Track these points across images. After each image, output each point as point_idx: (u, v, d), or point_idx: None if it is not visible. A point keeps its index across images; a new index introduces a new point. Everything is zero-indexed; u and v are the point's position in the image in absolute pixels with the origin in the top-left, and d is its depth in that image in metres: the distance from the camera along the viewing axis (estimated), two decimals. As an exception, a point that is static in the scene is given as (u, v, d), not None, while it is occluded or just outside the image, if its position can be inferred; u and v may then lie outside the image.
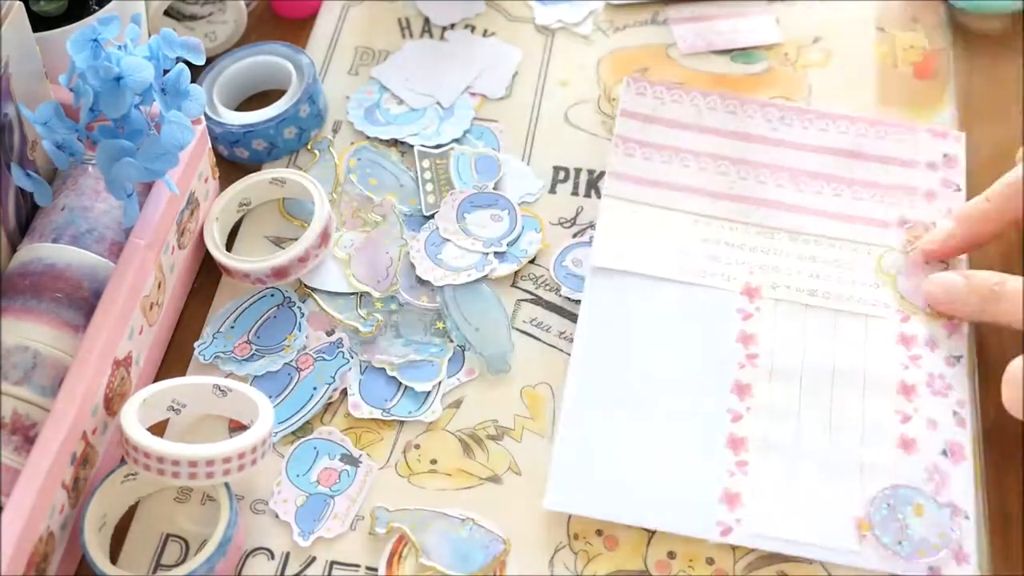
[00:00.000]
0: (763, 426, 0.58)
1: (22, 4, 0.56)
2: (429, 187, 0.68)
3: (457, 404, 0.60)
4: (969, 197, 0.65)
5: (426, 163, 0.69)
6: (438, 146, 0.70)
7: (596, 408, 0.59)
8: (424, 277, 0.63)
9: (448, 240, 0.65)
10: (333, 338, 0.62)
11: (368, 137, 0.71)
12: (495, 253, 0.64)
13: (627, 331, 0.61)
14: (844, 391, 0.59)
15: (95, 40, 0.55)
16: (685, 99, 0.70)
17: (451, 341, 0.62)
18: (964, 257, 0.63)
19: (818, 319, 0.61)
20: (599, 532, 0.56)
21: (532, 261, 0.65)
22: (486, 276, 0.64)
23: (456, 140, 0.70)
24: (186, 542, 0.56)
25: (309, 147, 0.70)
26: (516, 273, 0.64)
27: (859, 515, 0.55)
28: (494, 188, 0.68)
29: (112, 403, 0.56)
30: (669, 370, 0.60)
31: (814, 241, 0.64)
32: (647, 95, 0.70)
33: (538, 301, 0.64)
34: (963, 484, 0.56)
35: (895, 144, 0.68)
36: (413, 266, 0.64)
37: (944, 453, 0.57)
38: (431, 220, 0.66)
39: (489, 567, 0.54)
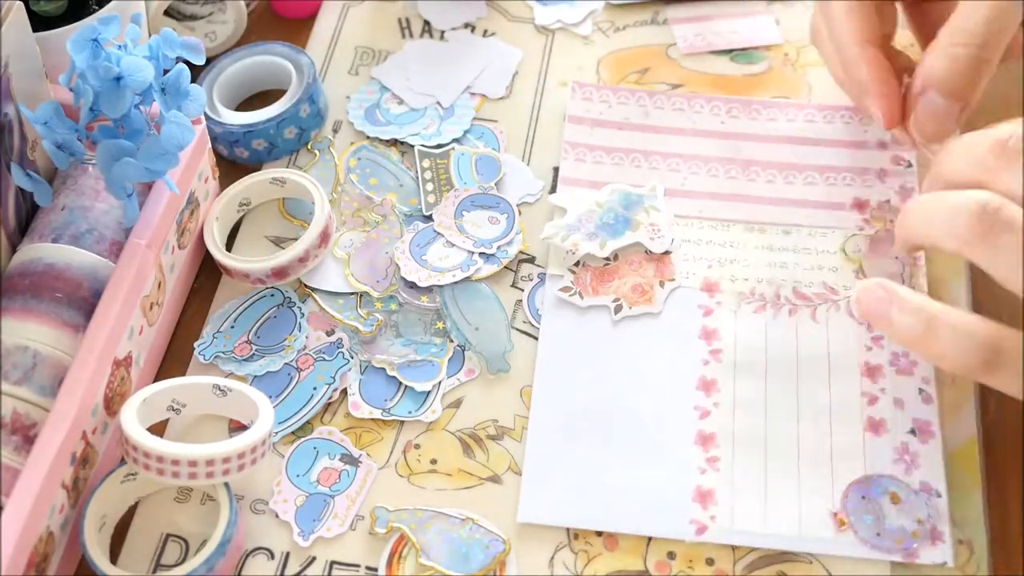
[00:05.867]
0: (731, 421, 0.58)
1: (22, 4, 0.56)
2: (429, 187, 0.68)
3: (457, 404, 0.60)
4: (920, 174, 0.66)
5: (426, 163, 0.69)
6: (439, 146, 0.70)
7: (563, 415, 0.59)
8: (409, 279, 0.63)
9: (440, 235, 0.65)
10: (333, 338, 0.62)
11: (368, 137, 0.71)
12: (480, 254, 0.64)
13: (589, 337, 0.61)
14: (810, 379, 0.59)
15: (95, 40, 0.55)
16: (631, 100, 0.70)
17: (451, 341, 0.62)
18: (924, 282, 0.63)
19: (779, 308, 0.61)
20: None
21: (532, 261, 0.65)
22: (469, 277, 0.63)
23: (456, 140, 0.70)
24: (186, 542, 0.56)
25: (309, 147, 0.70)
26: (516, 273, 0.64)
27: (835, 508, 0.55)
28: (495, 187, 0.68)
29: (112, 403, 0.56)
30: (633, 371, 0.60)
31: (770, 230, 0.65)
32: (593, 99, 0.71)
33: (538, 301, 0.64)
34: (932, 462, 0.56)
35: (844, 127, 0.68)
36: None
37: (912, 432, 0.57)
38: (420, 220, 0.66)
39: (489, 567, 0.54)
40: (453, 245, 0.65)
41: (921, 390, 0.58)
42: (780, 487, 0.56)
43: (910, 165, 0.67)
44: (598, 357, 0.60)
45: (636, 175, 0.67)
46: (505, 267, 0.64)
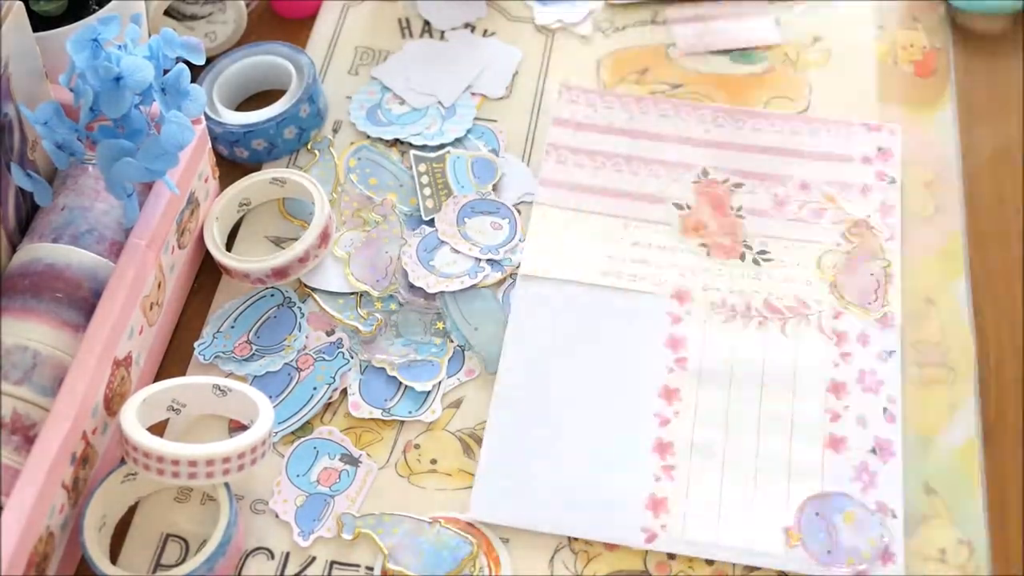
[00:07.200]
0: (690, 430, 0.57)
1: (22, 4, 0.56)
2: (427, 191, 0.68)
3: (457, 404, 0.60)
4: (905, 189, 0.66)
5: (423, 167, 0.69)
6: (440, 146, 0.70)
7: (523, 415, 0.58)
8: (417, 284, 0.63)
9: (445, 243, 0.65)
10: (333, 338, 0.62)
11: (370, 137, 0.71)
12: (487, 260, 0.64)
13: (555, 338, 0.61)
14: (774, 392, 0.59)
15: (95, 40, 0.55)
16: (617, 105, 0.70)
17: (451, 341, 0.62)
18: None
19: (749, 320, 0.61)
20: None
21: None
22: (476, 284, 0.63)
23: (458, 139, 0.70)
24: (186, 542, 0.56)
25: (309, 147, 0.70)
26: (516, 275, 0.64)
27: (788, 524, 0.55)
28: (492, 189, 0.68)
29: (112, 403, 0.56)
30: (596, 375, 0.60)
31: (747, 240, 0.64)
32: (580, 103, 0.70)
33: (538, 301, 0.64)
34: (891, 482, 0.56)
35: (829, 140, 0.68)
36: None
37: (873, 451, 0.57)
38: (427, 224, 0.66)
39: (456, 570, 0.54)
40: (459, 252, 0.65)
41: (885, 409, 0.58)
42: (735, 500, 0.55)
43: (893, 181, 0.66)
44: (562, 358, 0.60)
45: (616, 180, 0.67)
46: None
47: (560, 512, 0.55)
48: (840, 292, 0.62)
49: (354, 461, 0.58)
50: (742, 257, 0.63)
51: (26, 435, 0.52)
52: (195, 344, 0.62)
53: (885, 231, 0.64)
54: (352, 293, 0.64)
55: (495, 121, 0.71)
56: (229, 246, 0.66)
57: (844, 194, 0.65)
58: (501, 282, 0.64)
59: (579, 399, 0.59)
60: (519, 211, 0.67)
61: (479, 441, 0.59)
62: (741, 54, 0.74)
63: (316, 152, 0.70)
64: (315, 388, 0.60)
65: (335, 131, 0.71)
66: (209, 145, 0.65)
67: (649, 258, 0.63)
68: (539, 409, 0.59)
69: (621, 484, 0.56)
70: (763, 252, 0.63)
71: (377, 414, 0.59)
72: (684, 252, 0.63)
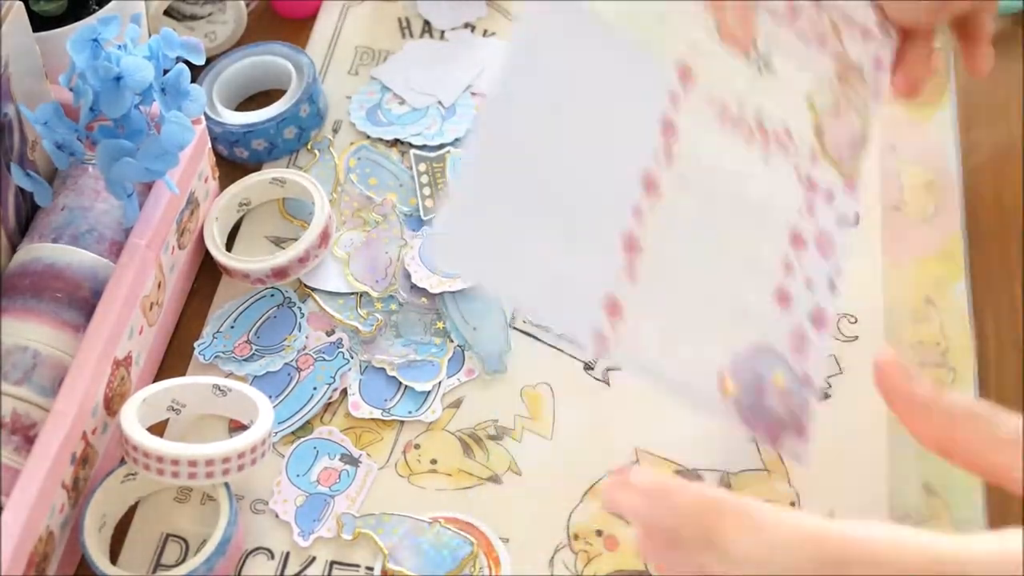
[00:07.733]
0: (661, 235, 0.51)
1: (22, 4, 0.56)
2: (427, 191, 0.68)
3: (457, 404, 0.60)
4: (905, 189, 0.65)
5: (423, 167, 0.69)
6: (440, 145, 0.70)
7: (498, 162, 0.49)
8: (420, 285, 0.63)
9: None
10: (333, 338, 0.62)
11: (370, 137, 0.71)
12: None
13: (551, 82, 0.51)
14: (744, 220, 0.54)
15: (95, 40, 0.55)
16: None
17: (451, 341, 0.62)
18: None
19: (738, 129, 0.55)
20: (599, 532, 0.56)
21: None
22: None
23: (459, 138, 0.70)
24: (186, 542, 0.56)
25: (309, 147, 0.70)
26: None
27: (725, 370, 0.50)
28: (494, 188, 0.68)
29: (112, 403, 0.56)
30: (583, 137, 0.51)
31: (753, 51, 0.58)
32: None
33: (538, 301, 0.63)
34: (818, 355, 0.53)
35: None
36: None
37: (810, 318, 0.53)
38: (428, 224, 0.66)
39: (456, 570, 0.54)
40: None
41: (831, 279, 0.54)
42: (682, 326, 0.50)
43: (889, 35, 0.61)
44: (558, 110, 0.51)
45: None
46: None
47: (520, 284, 0.48)
48: (821, 136, 0.58)
49: (354, 461, 0.58)
50: (747, 55, 0.59)
51: (26, 435, 0.52)
52: (195, 344, 0.62)
53: (872, 86, 0.60)
54: (352, 293, 0.64)
55: (495, 121, 0.71)
56: (229, 246, 0.66)
57: (848, 30, 0.61)
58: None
59: (560, 159, 0.51)
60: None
61: (479, 441, 0.59)
62: (741, 54, 0.73)
63: (316, 152, 0.70)
64: (315, 388, 0.60)
65: (335, 131, 0.71)
66: (209, 145, 0.65)
67: (665, 13, 0.55)
68: (516, 161, 0.49)
69: (584, 269, 0.49)
70: (767, 62, 0.59)
71: (377, 414, 0.60)
72: (697, 26, 0.56)
